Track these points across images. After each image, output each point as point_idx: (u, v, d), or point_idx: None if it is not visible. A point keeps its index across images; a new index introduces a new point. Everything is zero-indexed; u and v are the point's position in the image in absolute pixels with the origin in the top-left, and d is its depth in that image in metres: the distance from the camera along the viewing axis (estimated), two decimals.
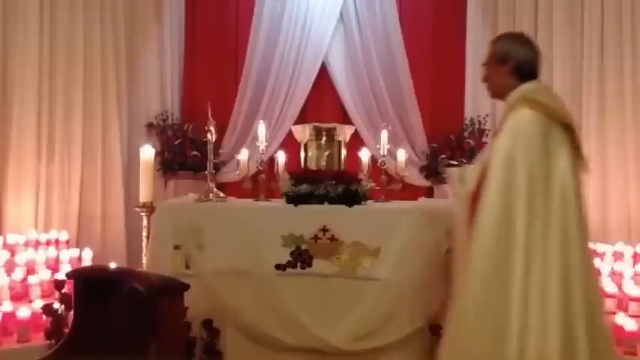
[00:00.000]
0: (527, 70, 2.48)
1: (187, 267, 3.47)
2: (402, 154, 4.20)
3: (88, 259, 4.23)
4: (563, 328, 2.24)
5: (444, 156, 5.28)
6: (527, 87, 2.45)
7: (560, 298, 2.25)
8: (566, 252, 2.29)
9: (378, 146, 4.20)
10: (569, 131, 2.37)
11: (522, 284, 2.24)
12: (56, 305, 3.37)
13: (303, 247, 3.43)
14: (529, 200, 2.27)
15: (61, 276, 3.53)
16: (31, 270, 3.89)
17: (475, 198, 2.49)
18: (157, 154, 4.92)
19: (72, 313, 2.94)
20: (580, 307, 2.27)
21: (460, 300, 2.41)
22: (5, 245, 4.19)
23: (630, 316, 3.41)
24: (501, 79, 2.52)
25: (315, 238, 3.44)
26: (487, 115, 5.38)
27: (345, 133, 4.32)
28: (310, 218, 3.46)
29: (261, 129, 3.89)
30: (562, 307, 2.25)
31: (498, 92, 2.58)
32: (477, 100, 5.48)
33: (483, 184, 2.42)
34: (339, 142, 4.08)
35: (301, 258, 3.43)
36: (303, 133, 3.96)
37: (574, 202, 2.33)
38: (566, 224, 2.31)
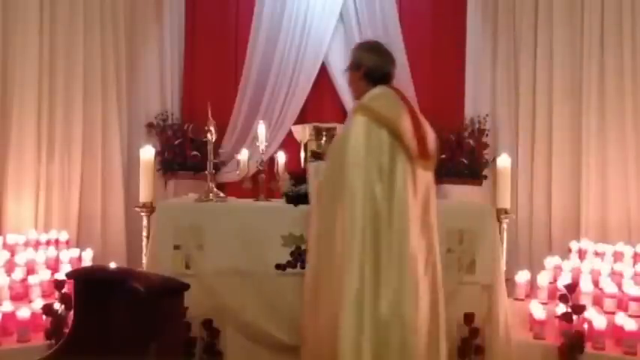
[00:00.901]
0: (376, 76, 2.77)
1: (187, 267, 3.46)
2: None
3: (88, 259, 4.22)
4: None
5: (443, 156, 5.28)
6: (371, 93, 2.74)
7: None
8: (378, 234, 2.63)
9: None
10: (398, 135, 2.64)
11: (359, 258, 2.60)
12: (56, 305, 3.37)
13: (303, 247, 3.42)
14: (354, 193, 2.61)
15: (61, 276, 3.53)
16: (31, 270, 3.89)
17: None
18: (157, 154, 4.92)
19: (72, 313, 2.94)
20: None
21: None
22: (5, 245, 4.18)
23: (630, 316, 3.41)
24: (356, 83, 2.83)
25: None
26: (487, 115, 5.38)
27: None
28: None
29: (261, 129, 3.89)
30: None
31: (357, 94, 2.87)
32: (477, 100, 5.49)
33: None
34: None
35: (301, 258, 3.42)
36: (303, 133, 3.96)
37: (396, 193, 2.63)
38: (388, 215, 2.63)
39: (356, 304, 2.57)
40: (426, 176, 2.76)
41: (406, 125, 2.66)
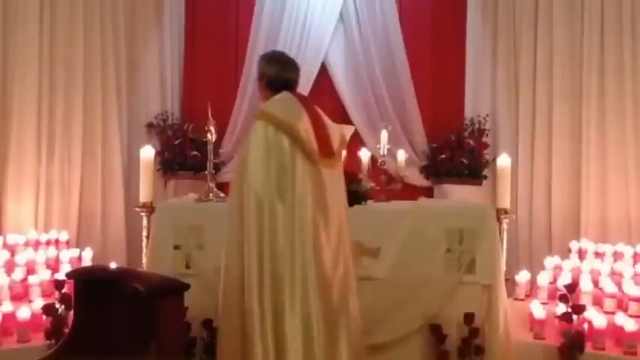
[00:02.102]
0: (277, 84, 2.93)
1: (187, 267, 3.46)
2: (402, 154, 4.21)
3: (88, 259, 4.22)
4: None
5: (443, 156, 5.29)
6: (273, 98, 2.89)
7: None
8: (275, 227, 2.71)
9: (378, 146, 4.21)
10: (295, 137, 2.75)
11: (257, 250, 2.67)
12: (56, 305, 3.37)
13: None
14: (256, 189, 2.70)
15: (61, 276, 3.53)
16: (31, 270, 3.89)
17: None
18: (157, 154, 4.92)
19: (72, 313, 2.95)
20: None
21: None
22: (5, 245, 4.18)
23: (630, 316, 3.41)
24: (262, 91, 3.01)
25: None
26: (487, 115, 5.38)
27: (345, 133, 4.30)
28: None
29: None
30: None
31: (264, 102, 3.00)
32: (477, 100, 5.49)
33: None
34: None
35: None
36: None
37: (294, 189, 2.72)
38: (287, 208, 2.71)
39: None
40: (333, 174, 2.88)
41: (304, 127, 2.79)
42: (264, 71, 2.97)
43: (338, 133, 2.95)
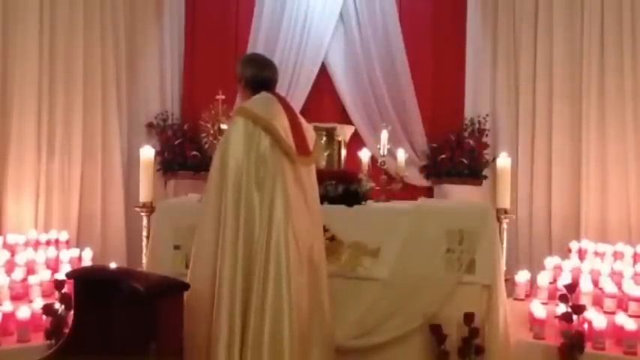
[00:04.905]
0: (256, 85, 3.03)
1: (187, 267, 3.45)
2: (402, 154, 4.21)
3: (88, 259, 4.22)
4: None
5: (443, 156, 5.29)
6: (252, 98, 2.98)
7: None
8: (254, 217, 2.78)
9: (378, 146, 4.21)
10: (273, 133, 2.83)
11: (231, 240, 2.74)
12: (56, 305, 3.37)
13: None
14: (235, 182, 2.78)
15: (61, 276, 3.53)
16: (31, 270, 3.89)
17: None
18: (157, 154, 4.92)
19: (72, 313, 2.95)
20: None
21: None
22: (5, 245, 4.18)
23: (630, 316, 3.41)
24: (242, 92, 3.11)
25: None
26: (487, 115, 5.38)
27: (345, 133, 4.32)
28: None
29: None
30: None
31: (243, 102, 3.10)
32: (476, 100, 5.48)
33: None
34: (339, 142, 4.09)
35: None
36: None
37: (273, 181, 2.79)
38: (265, 201, 2.78)
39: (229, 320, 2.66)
40: (309, 171, 2.97)
41: (281, 124, 2.86)
42: (242, 73, 3.05)
43: (313, 133, 3.06)
